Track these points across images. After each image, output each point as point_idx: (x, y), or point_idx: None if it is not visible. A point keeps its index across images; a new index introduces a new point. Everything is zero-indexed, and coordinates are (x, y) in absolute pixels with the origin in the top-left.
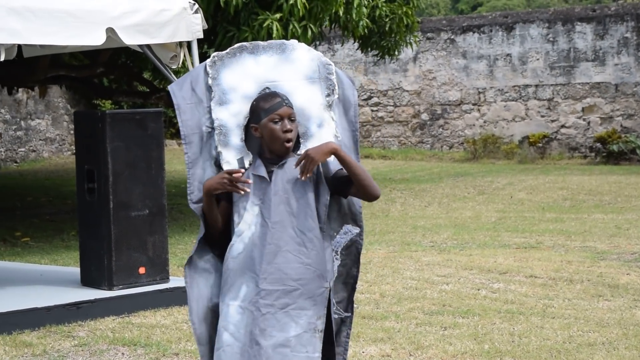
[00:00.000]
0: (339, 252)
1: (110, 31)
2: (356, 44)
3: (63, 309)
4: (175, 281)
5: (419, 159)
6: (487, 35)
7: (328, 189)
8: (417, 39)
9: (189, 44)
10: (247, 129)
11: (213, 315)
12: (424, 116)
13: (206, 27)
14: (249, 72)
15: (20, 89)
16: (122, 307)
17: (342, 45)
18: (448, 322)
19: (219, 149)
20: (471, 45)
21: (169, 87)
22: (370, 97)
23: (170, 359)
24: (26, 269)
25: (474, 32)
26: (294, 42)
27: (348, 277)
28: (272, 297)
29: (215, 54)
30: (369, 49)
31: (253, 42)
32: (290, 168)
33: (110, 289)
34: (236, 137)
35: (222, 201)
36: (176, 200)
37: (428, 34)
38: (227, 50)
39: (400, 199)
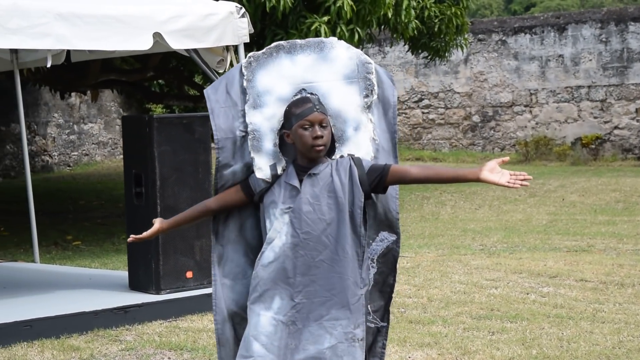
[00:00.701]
0: (375, 260)
1: (158, 36)
2: (406, 46)
3: (111, 313)
4: None
5: (470, 161)
6: (539, 36)
7: (362, 192)
8: (468, 41)
9: (235, 47)
10: (281, 134)
11: (238, 318)
12: (475, 118)
13: (252, 31)
14: (284, 72)
15: (72, 94)
16: (169, 311)
17: (392, 47)
18: (496, 327)
19: (252, 154)
20: (523, 46)
21: (205, 91)
22: (421, 99)
23: None
24: (76, 273)
25: (525, 33)
26: (333, 39)
27: (384, 286)
28: (307, 310)
29: (251, 54)
30: (419, 51)
31: (291, 40)
32: (324, 174)
33: (157, 293)
34: (269, 142)
35: (242, 194)
36: None
37: (479, 36)
38: (264, 49)
39: (451, 201)
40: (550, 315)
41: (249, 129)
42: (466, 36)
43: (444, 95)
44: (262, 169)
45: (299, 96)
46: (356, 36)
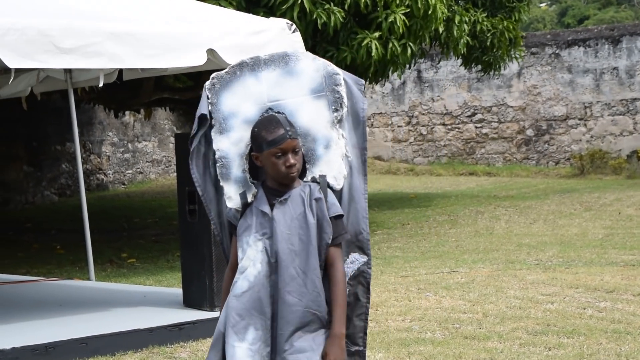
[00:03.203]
0: (345, 282)
1: (211, 52)
2: (459, 60)
3: (165, 330)
4: None
5: (525, 176)
6: (593, 48)
7: (331, 227)
8: (522, 54)
9: None
10: (250, 156)
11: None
12: (529, 132)
13: (304, 48)
14: (249, 92)
15: (126, 112)
16: None
17: (444, 62)
18: (553, 343)
19: (221, 182)
20: (577, 59)
21: (200, 115)
22: (474, 114)
23: None
24: (130, 290)
25: (579, 46)
26: (297, 51)
27: (358, 307)
28: (276, 342)
29: (214, 74)
30: (472, 65)
31: (254, 56)
32: (294, 202)
33: (211, 310)
34: (238, 169)
35: (233, 236)
36: None
37: (532, 49)
38: (227, 68)
39: (505, 216)
40: (608, 331)
41: (216, 156)
42: (520, 49)
43: (497, 109)
44: (232, 198)
45: (266, 116)
46: (409, 51)
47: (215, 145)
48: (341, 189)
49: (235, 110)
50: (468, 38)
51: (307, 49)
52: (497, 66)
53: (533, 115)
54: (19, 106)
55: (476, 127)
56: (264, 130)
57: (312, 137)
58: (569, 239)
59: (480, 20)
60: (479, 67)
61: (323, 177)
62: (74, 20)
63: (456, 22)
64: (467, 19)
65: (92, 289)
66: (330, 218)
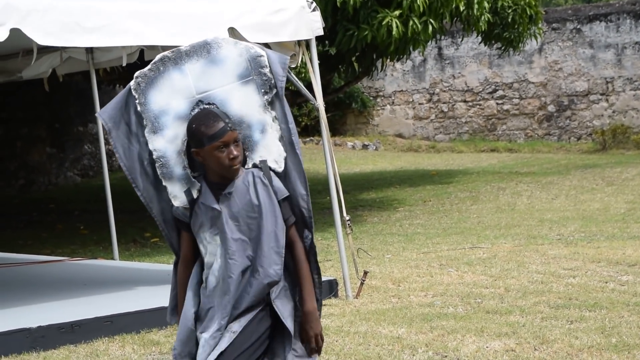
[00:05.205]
0: (306, 259)
1: (232, 31)
2: (479, 37)
3: None
4: None
5: (546, 151)
6: (615, 23)
7: (280, 212)
8: (542, 30)
9: (307, 42)
10: (188, 152)
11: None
12: (551, 108)
13: (323, 25)
14: (176, 87)
15: None
16: None
17: (465, 39)
18: (575, 316)
19: (164, 182)
20: (598, 34)
21: (98, 115)
22: (495, 90)
23: None
24: (154, 269)
25: (600, 21)
26: (217, 38)
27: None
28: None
29: (138, 73)
30: (493, 42)
31: (175, 49)
32: (239, 192)
33: None
34: (178, 167)
35: (183, 231)
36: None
37: (553, 25)
38: (150, 65)
39: (527, 192)
40: (630, 304)
41: (154, 156)
42: (540, 26)
43: (519, 85)
44: (178, 197)
45: (197, 110)
46: (430, 28)
47: (151, 146)
48: (282, 171)
49: (165, 108)
50: (489, 15)
51: (327, 28)
52: (518, 43)
53: (554, 91)
54: (42, 88)
55: (497, 104)
56: (203, 125)
57: (246, 123)
58: (591, 213)
59: None
60: (500, 44)
61: (264, 162)
62: (95, 2)
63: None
64: None
65: (117, 268)
66: (278, 201)
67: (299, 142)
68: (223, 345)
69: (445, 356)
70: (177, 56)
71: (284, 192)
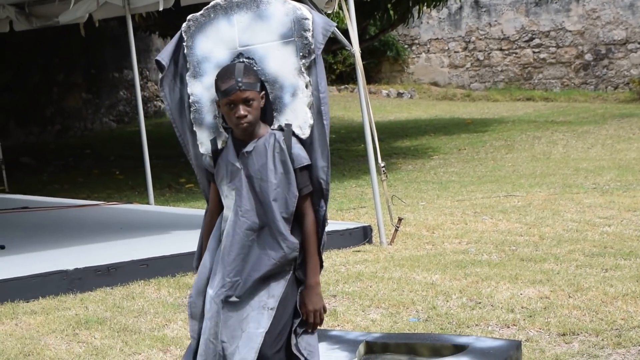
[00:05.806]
0: (315, 231)
1: None
2: None
3: None
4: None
5: (582, 101)
6: None
7: (296, 178)
8: None
9: None
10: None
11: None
12: (588, 57)
13: None
14: (222, 36)
15: None
16: None
17: None
18: (609, 264)
19: (194, 127)
20: None
21: (156, 60)
22: (532, 39)
23: (328, 301)
24: (189, 214)
25: None
26: None
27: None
28: (233, 290)
29: (190, 16)
30: None
31: None
32: (258, 153)
33: None
34: (210, 114)
35: (212, 182)
36: (335, 145)
37: None
38: (202, 11)
39: (562, 141)
40: None
41: (190, 100)
42: None
43: (556, 34)
44: (204, 143)
45: (236, 62)
46: None
47: (189, 89)
48: (307, 138)
49: (208, 55)
50: None
51: None
52: None
53: (592, 39)
54: (77, 33)
55: (534, 52)
56: (220, 79)
57: (279, 84)
58: (627, 163)
59: None
60: None
61: (289, 126)
62: None
63: None
64: None
65: (152, 213)
66: (295, 169)
67: (328, 112)
68: (264, 324)
69: (479, 302)
70: (228, 5)
71: (302, 160)
